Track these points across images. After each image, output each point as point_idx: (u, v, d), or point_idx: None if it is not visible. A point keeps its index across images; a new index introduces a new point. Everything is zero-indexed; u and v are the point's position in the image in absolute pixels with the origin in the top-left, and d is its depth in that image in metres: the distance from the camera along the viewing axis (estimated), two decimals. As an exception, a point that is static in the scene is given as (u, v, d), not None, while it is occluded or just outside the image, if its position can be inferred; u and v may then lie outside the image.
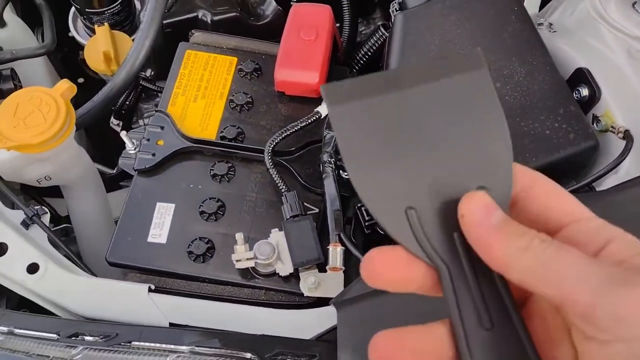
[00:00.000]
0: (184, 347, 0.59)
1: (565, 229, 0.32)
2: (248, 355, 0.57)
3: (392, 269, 0.33)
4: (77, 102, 0.80)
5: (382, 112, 0.33)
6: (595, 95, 0.72)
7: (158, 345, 0.59)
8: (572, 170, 0.73)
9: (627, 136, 0.67)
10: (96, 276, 0.73)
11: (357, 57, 0.97)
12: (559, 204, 0.33)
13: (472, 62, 0.34)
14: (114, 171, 1.07)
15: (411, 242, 0.33)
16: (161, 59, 0.96)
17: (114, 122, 1.09)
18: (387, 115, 0.33)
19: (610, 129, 0.70)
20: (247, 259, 0.69)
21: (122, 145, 0.83)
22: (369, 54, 0.96)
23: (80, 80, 1.15)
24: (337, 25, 1.03)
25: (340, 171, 0.78)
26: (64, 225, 0.97)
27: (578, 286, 0.29)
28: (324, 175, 0.74)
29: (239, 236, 0.69)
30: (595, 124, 0.73)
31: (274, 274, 0.71)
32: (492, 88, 0.34)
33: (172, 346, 0.59)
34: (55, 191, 0.89)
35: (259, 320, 0.65)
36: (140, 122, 1.10)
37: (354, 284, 0.61)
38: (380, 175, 0.33)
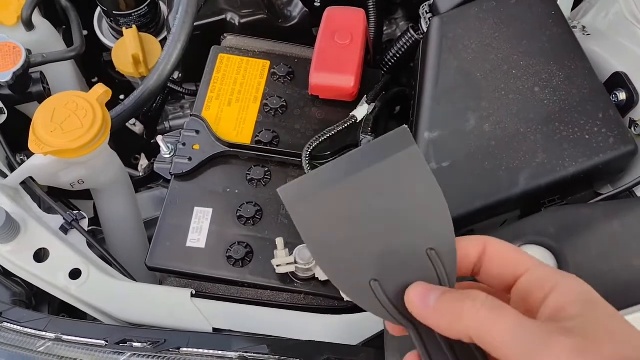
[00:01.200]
0: (232, 354, 0.59)
1: (520, 280, 0.38)
2: (297, 361, 0.58)
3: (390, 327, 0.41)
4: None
5: (332, 202, 0.38)
6: (633, 99, 0.72)
7: (207, 351, 0.60)
8: (610, 174, 0.73)
9: (667, 141, 0.67)
10: (135, 280, 0.73)
11: (386, 59, 0.97)
12: (510, 258, 0.39)
13: (402, 142, 0.39)
14: (140, 173, 1.08)
15: (378, 309, 0.39)
16: (187, 62, 0.96)
17: (130, 121, 1.09)
18: (337, 204, 0.39)
19: (649, 133, 0.70)
20: (288, 263, 0.69)
21: (138, 145, 0.82)
22: (398, 55, 0.96)
23: (94, 79, 1.15)
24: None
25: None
26: (91, 227, 0.97)
27: (508, 348, 0.34)
28: (361, 180, 0.74)
29: (279, 241, 0.70)
30: (633, 128, 0.73)
31: (313, 278, 0.71)
32: (424, 164, 0.39)
33: (221, 352, 0.59)
34: (80, 193, 0.89)
35: (303, 325, 0.66)
36: (166, 124, 1.10)
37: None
38: (341, 255, 0.39)
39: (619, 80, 0.74)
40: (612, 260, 0.57)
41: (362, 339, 0.62)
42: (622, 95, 0.74)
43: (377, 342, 0.61)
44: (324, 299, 0.72)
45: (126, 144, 1.10)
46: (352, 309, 0.70)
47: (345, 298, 0.69)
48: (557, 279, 0.36)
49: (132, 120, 1.09)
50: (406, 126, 0.40)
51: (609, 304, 0.36)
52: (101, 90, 0.78)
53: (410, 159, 0.39)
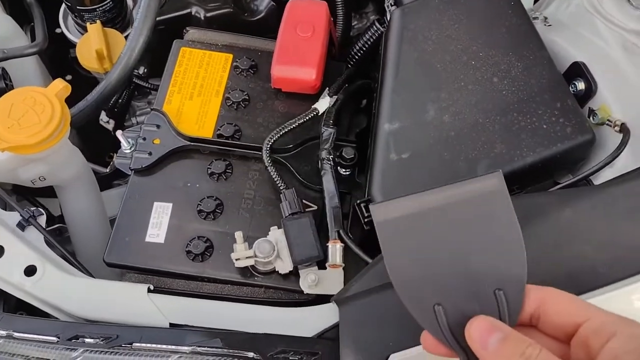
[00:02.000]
0: (185, 348, 0.58)
1: (580, 329, 0.39)
2: (250, 354, 0.57)
3: (432, 346, 0.43)
4: (66, 100, 0.79)
5: (418, 226, 0.42)
6: (591, 89, 0.72)
7: (159, 346, 0.59)
8: (568, 163, 0.73)
9: (624, 129, 0.67)
10: (93, 277, 0.72)
11: (352, 52, 0.96)
12: (571, 308, 0.40)
13: (495, 182, 0.43)
14: (107, 170, 1.07)
15: (437, 332, 0.42)
16: (153, 57, 0.95)
17: (104, 119, 1.08)
18: (422, 229, 0.42)
19: (607, 122, 0.70)
20: (247, 257, 0.69)
21: (111, 142, 0.82)
22: (364, 49, 0.95)
23: (68, 77, 1.14)
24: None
25: (339, 168, 0.78)
26: (57, 225, 0.96)
27: None
28: (322, 172, 0.74)
29: (239, 235, 0.69)
30: (591, 118, 0.73)
31: (274, 272, 0.71)
32: (511, 208, 0.42)
33: (174, 347, 0.59)
34: (47, 191, 0.88)
35: (260, 318, 0.65)
36: (133, 120, 1.09)
37: (354, 280, 0.61)
38: (414, 275, 0.42)
39: (578, 69, 0.74)
40: (564, 249, 0.57)
41: (318, 331, 0.62)
42: (580, 85, 0.74)
43: (332, 333, 0.61)
44: (285, 292, 0.71)
45: (99, 142, 1.09)
46: (313, 302, 0.70)
47: (306, 291, 0.69)
48: (617, 326, 0.37)
49: (106, 118, 1.08)
50: (500, 171, 0.43)
51: None
52: (60, 85, 0.77)
53: (498, 199, 0.42)
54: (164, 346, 0.59)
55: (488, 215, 0.42)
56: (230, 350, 0.57)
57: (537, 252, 0.57)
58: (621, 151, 0.66)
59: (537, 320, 0.42)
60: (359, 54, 0.96)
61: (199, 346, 0.58)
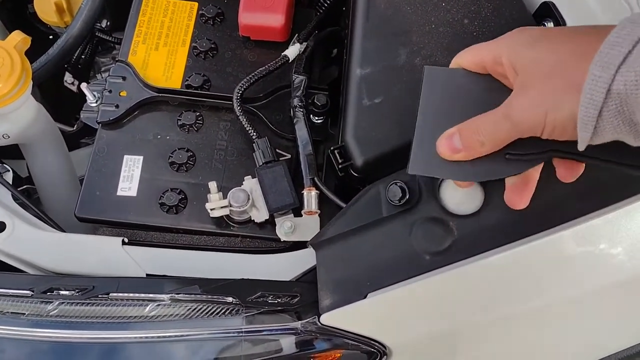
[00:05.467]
0: (163, 296, 0.59)
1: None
2: (229, 299, 0.57)
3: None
4: (28, 59, 0.76)
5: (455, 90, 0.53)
6: (560, 29, 0.73)
7: (137, 295, 0.59)
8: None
9: (593, 68, 0.68)
10: (65, 232, 0.71)
11: (321, 1, 0.95)
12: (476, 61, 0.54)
13: None
14: (74, 128, 1.04)
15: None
16: (117, 9, 0.92)
17: (68, 80, 1.05)
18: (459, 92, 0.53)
19: (576, 62, 0.71)
20: (222, 207, 0.68)
21: (78, 104, 0.80)
22: (332, -4, 0.94)
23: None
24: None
25: (311, 116, 0.78)
26: (25, 186, 0.94)
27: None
28: (295, 120, 0.73)
29: (212, 185, 0.68)
30: (561, 58, 0.73)
31: (249, 221, 0.71)
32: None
33: (152, 295, 0.59)
34: (13, 151, 0.86)
35: (238, 266, 0.65)
36: (99, 76, 1.06)
37: (330, 224, 0.61)
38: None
39: (547, 9, 0.74)
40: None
41: (295, 275, 0.62)
42: (550, 25, 0.74)
43: (309, 276, 0.62)
44: (261, 241, 0.72)
45: (65, 104, 1.05)
46: (290, 248, 0.70)
47: (283, 238, 0.69)
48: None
49: (70, 79, 1.05)
50: None
51: None
52: (19, 38, 0.74)
53: None
54: (142, 295, 0.59)
55: None
56: (209, 296, 0.58)
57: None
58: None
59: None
60: (328, 1, 0.95)
61: (177, 293, 0.58)
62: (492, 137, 0.48)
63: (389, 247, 0.59)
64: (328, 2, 0.93)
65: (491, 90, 0.51)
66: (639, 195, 0.57)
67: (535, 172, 0.52)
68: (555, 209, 0.57)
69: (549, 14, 0.74)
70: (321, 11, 0.93)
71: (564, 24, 0.72)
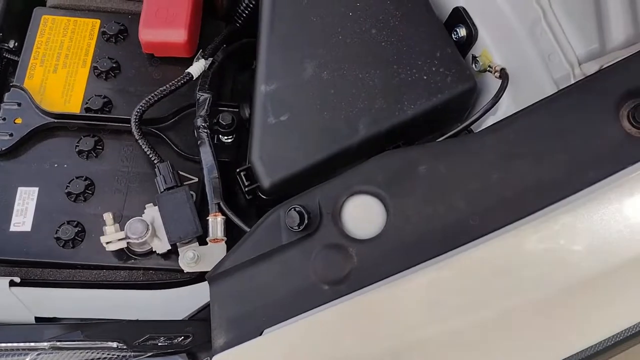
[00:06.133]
0: (44, 344, 0.54)
1: None
2: (114, 344, 0.53)
3: None
4: None
5: None
6: (472, 35, 0.70)
7: (17, 344, 0.54)
8: (453, 113, 0.71)
9: (503, 75, 0.65)
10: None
11: (240, 9, 0.90)
12: None
13: None
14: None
15: None
16: (24, 28, 0.87)
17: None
18: None
19: (488, 68, 0.68)
20: (119, 239, 0.64)
21: None
22: (252, 5, 0.89)
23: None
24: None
25: (220, 135, 0.74)
26: None
27: None
28: (199, 142, 0.69)
29: (107, 216, 0.64)
30: (474, 65, 0.70)
31: (152, 252, 0.66)
32: None
33: (32, 344, 0.54)
34: None
35: (132, 304, 0.61)
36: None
37: (229, 254, 0.57)
38: None
39: (459, 15, 0.71)
40: (437, 203, 0.55)
41: (191, 311, 0.58)
42: (462, 31, 0.71)
43: (205, 313, 0.58)
44: (166, 273, 0.67)
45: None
46: (196, 279, 0.66)
47: (185, 269, 0.65)
48: None
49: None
50: None
51: None
52: None
53: None
54: (22, 344, 0.54)
55: None
56: (92, 342, 0.53)
57: (411, 209, 0.55)
58: (499, 97, 0.63)
59: None
60: (247, 12, 0.91)
61: (59, 340, 0.54)
62: None
63: (288, 278, 0.55)
64: (246, 12, 0.90)
65: None
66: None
67: None
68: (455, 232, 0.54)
69: (461, 19, 0.71)
70: (240, 22, 0.90)
71: (475, 29, 0.70)
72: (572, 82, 0.64)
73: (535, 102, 0.58)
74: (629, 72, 0.57)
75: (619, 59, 0.60)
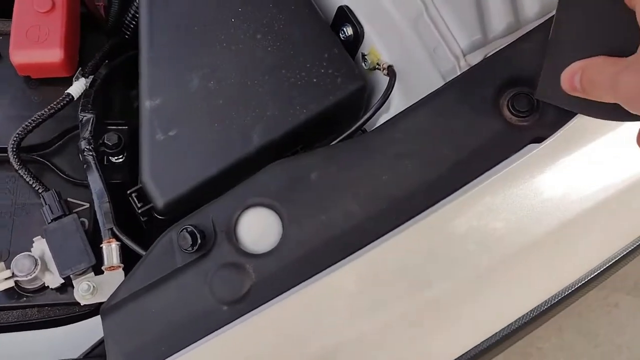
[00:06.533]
0: None
1: None
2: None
3: None
4: None
5: None
6: (359, 33, 0.69)
7: None
8: (347, 114, 0.70)
9: (390, 72, 0.65)
10: None
11: (126, 20, 0.86)
12: None
13: None
14: None
15: None
16: None
17: None
18: None
19: (377, 66, 0.68)
20: (5, 279, 0.60)
21: None
22: (138, 15, 0.86)
23: None
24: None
25: (110, 156, 0.70)
26: None
27: None
28: (85, 166, 0.66)
29: (-12, 255, 0.60)
30: (363, 63, 0.70)
31: (45, 287, 0.62)
32: None
33: None
34: None
35: (23, 345, 0.57)
36: None
37: (122, 284, 0.55)
38: None
39: (344, 14, 0.71)
40: (331, 209, 0.54)
41: (87, 347, 0.55)
42: (349, 30, 0.70)
43: (101, 349, 0.55)
44: (62, 308, 0.64)
45: None
46: (95, 312, 0.63)
47: (82, 302, 0.61)
48: None
49: None
50: None
51: None
52: None
53: None
54: None
55: None
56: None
57: (306, 217, 0.54)
58: (388, 96, 0.63)
59: None
60: (135, 21, 0.87)
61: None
62: (615, 86, 0.43)
63: (185, 303, 0.53)
64: (134, 22, 0.86)
65: (630, 21, 0.44)
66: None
67: None
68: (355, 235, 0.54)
69: (346, 18, 0.71)
70: (128, 33, 0.86)
71: (361, 27, 0.69)
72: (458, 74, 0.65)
73: (420, 99, 0.59)
74: (506, 61, 0.58)
75: (499, 48, 0.62)
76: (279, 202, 0.55)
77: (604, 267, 0.68)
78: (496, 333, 0.63)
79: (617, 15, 0.46)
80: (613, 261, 0.68)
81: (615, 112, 0.46)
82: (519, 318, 0.64)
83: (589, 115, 0.52)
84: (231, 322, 0.52)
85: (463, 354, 0.62)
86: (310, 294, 0.53)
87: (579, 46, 0.48)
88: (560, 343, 1.46)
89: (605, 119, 0.51)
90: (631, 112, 0.42)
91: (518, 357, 1.44)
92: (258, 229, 0.55)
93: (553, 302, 0.66)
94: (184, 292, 0.53)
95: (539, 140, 0.55)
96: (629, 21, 0.43)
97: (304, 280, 0.53)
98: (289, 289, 0.53)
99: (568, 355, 1.46)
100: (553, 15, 0.52)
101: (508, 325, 0.64)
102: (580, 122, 0.55)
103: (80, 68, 0.71)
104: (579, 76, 0.46)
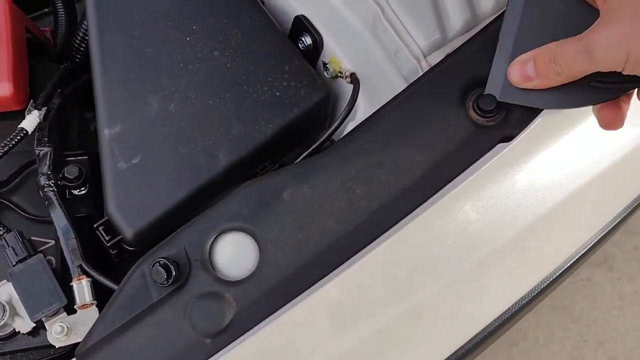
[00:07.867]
0: None
1: None
2: None
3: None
4: None
5: None
6: (317, 41, 0.68)
7: None
8: (314, 123, 0.69)
9: (354, 79, 0.64)
10: None
11: (76, 44, 0.83)
12: None
13: None
14: None
15: None
16: None
17: None
18: None
19: (339, 74, 0.67)
20: (-28, 329, 0.57)
21: None
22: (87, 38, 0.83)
23: None
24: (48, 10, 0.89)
25: (72, 190, 0.67)
26: None
27: None
28: (46, 202, 0.63)
29: (-50, 307, 0.57)
30: (325, 72, 0.69)
31: (16, 333, 0.60)
32: None
33: None
34: None
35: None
36: None
37: (95, 325, 0.53)
38: None
39: (301, 24, 0.69)
40: (307, 228, 0.53)
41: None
42: (308, 40, 0.69)
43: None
44: (36, 352, 0.61)
45: None
46: (71, 352, 0.60)
47: (56, 345, 0.59)
48: None
49: None
50: None
51: None
52: None
53: None
54: None
55: None
56: None
57: (282, 238, 0.53)
58: (354, 104, 0.63)
59: None
60: (85, 43, 0.84)
61: None
62: (569, 69, 0.45)
63: (165, 340, 0.51)
64: (84, 45, 0.83)
65: (577, 12, 0.47)
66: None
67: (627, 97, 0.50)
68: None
69: (304, 28, 0.70)
70: (79, 57, 0.83)
71: (320, 36, 0.68)
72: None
73: (385, 105, 0.58)
74: (467, 62, 0.58)
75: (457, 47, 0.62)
76: (252, 225, 0.54)
77: (580, 254, 0.69)
78: (480, 332, 0.63)
79: (572, 9, 0.47)
80: (588, 247, 0.69)
81: (580, 97, 0.48)
82: (504, 312, 0.65)
83: (539, 107, 0.53)
84: (216, 354, 0.50)
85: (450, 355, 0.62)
86: (294, 316, 0.52)
87: (528, 38, 0.49)
88: (537, 322, 1.48)
89: (568, 107, 0.51)
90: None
91: (497, 340, 1.47)
92: (234, 254, 0.54)
93: (534, 293, 0.66)
94: (162, 328, 0.52)
95: (507, 139, 0.55)
96: (584, 13, 0.45)
97: (286, 303, 0.52)
98: (272, 313, 0.52)
99: (547, 332, 1.49)
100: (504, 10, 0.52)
101: (492, 322, 0.64)
102: (547, 117, 0.55)
103: (32, 100, 0.68)
104: (532, 64, 0.48)
